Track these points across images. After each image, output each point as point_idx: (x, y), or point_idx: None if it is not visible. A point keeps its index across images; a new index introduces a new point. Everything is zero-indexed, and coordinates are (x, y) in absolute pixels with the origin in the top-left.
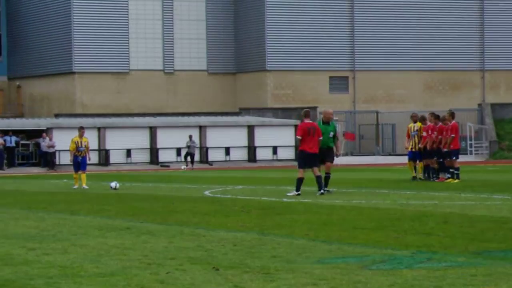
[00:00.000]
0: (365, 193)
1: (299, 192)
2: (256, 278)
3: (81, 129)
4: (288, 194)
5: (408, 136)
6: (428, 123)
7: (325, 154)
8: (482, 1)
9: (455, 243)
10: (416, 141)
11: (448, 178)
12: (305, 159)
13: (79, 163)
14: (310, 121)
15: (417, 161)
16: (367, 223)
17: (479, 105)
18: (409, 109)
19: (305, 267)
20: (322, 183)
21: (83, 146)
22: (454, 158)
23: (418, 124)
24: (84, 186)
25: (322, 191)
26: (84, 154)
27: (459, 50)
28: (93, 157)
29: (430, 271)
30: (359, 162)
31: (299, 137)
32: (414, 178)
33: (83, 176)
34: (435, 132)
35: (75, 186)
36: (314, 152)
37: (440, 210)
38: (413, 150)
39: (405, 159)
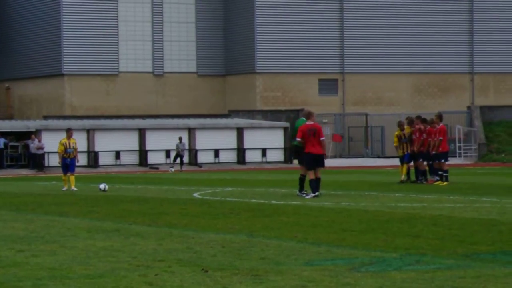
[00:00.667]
0: (354, 195)
1: (316, 194)
2: (245, 280)
3: (69, 130)
4: (307, 197)
5: (398, 143)
6: (416, 126)
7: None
8: (471, 4)
9: (444, 245)
10: (408, 146)
11: (437, 180)
12: (312, 160)
13: (67, 165)
14: (312, 123)
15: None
16: (356, 226)
17: (468, 107)
18: (398, 112)
19: (294, 269)
20: (316, 186)
21: (72, 147)
22: (442, 160)
23: (407, 130)
24: (73, 188)
25: (317, 193)
26: (73, 156)
27: (448, 53)
28: (82, 159)
29: (419, 273)
30: (348, 164)
31: (299, 139)
32: (403, 181)
33: (72, 178)
34: (424, 135)
35: (64, 188)
36: (319, 153)
37: (429, 213)
38: (408, 152)
39: (394, 162)
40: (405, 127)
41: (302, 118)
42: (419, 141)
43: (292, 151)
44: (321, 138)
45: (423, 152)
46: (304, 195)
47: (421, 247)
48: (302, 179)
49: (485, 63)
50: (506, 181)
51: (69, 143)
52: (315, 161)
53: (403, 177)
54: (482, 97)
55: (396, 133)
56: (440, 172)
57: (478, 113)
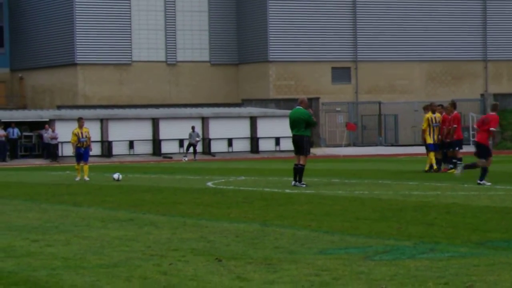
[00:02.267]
0: (367, 183)
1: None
2: (258, 269)
3: (81, 120)
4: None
5: (428, 128)
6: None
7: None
8: None
9: (458, 233)
10: (437, 132)
11: (451, 168)
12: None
13: (81, 154)
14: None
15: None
16: (370, 214)
17: (482, 95)
18: (412, 100)
19: (308, 258)
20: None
21: (84, 136)
22: (457, 148)
23: (438, 115)
24: (86, 178)
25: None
26: (87, 145)
27: (461, 40)
28: (95, 149)
29: (433, 261)
30: (362, 152)
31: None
32: (429, 170)
33: (86, 167)
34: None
35: (77, 178)
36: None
37: (443, 201)
38: (435, 141)
39: (408, 150)
40: (437, 112)
41: (298, 106)
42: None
43: (297, 140)
44: None
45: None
46: (304, 185)
47: (435, 235)
48: (299, 169)
49: (498, 51)
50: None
51: (82, 133)
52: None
53: (428, 166)
54: (495, 84)
55: (427, 115)
56: (454, 160)
57: (492, 101)
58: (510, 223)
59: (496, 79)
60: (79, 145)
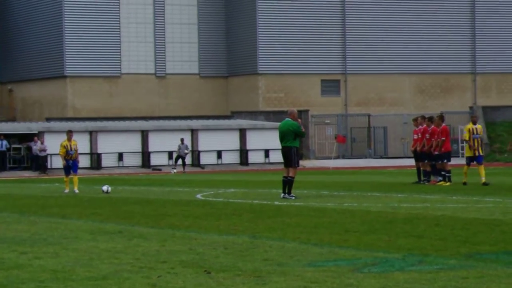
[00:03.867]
0: (356, 196)
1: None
2: (247, 281)
3: (69, 132)
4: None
5: (468, 139)
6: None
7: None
8: (473, 4)
9: (447, 245)
10: (479, 144)
11: (440, 181)
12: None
13: (69, 167)
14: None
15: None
16: (359, 226)
17: (471, 108)
18: (401, 112)
19: (297, 270)
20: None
21: (73, 149)
22: (445, 161)
23: (479, 126)
24: (75, 190)
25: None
26: (74, 158)
27: (450, 53)
28: (85, 161)
29: (422, 273)
30: (351, 165)
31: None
32: (465, 183)
33: (75, 179)
34: (427, 135)
35: (66, 190)
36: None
37: (432, 213)
38: (476, 154)
39: (397, 162)
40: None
41: (287, 118)
42: (421, 141)
43: (286, 152)
44: None
45: (426, 152)
46: (293, 197)
47: (424, 248)
48: (288, 181)
49: (487, 63)
50: (508, 181)
51: (70, 145)
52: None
53: (466, 178)
54: (484, 97)
55: (468, 126)
56: (443, 173)
57: (481, 113)
58: (499, 236)
59: (485, 92)
60: (67, 157)
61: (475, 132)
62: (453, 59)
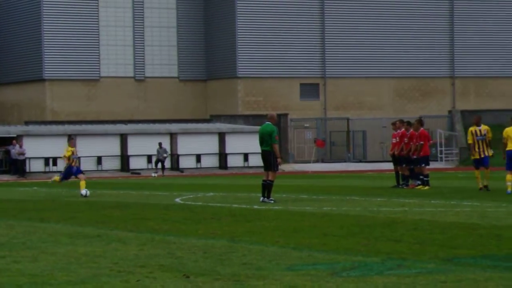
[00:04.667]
0: (335, 200)
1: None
2: (226, 286)
3: (71, 139)
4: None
5: (472, 142)
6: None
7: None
8: (452, 8)
9: (425, 249)
10: (485, 146)
11: (418, 185)
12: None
13: (71, 172)
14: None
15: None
16: (338, 230)
17: (449, 112)
18: (380, 116)
19: (276, 274)
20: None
21: (76, 154)
22: (423, 165)
23: (484, 127)
24: (84, 191)
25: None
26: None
27: (429, 57)
28: (63, 164)
29: (401, 277)
30: (330, 169)
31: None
32: (481, 188)
33: (83, 182)
34: (405, 139)
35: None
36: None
37: (410, 217)
38: (482, 156)
39: (376, 166)
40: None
41: (267, 122)
42: (399, 145)
43: (266, 156)
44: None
45: (405, 156)
46: (272, 201)
47: (403, 252)
48: (267, 185)
49: (466, 68)
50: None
51: (73, 151)
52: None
53: (481, 183)
54: (463, 101)
55: (471, 129)
56: (421, 177)
57: (459, 118)
58: (476, 240)
59: (463, 96)
60: (72, 163)
61: (478, 134)
62: (431, 63)
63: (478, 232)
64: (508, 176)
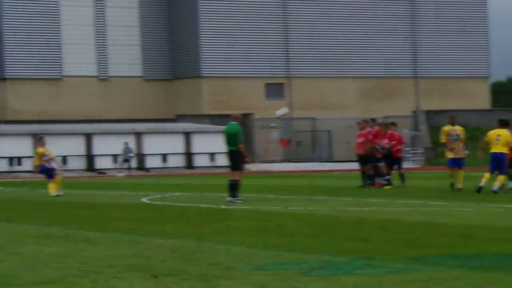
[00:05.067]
0: (302, 199)
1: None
2: (195, 286)
3: (42, 138)
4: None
5: (446, 140)
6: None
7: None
8: (413, 9)
9: (393, 249)
10: (460, 146)
11: (385, 184)
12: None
13: (49, 170)
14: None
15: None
16: (305, 230)
17: (414, 112)
18: (345, 116)
19: (244, 274)
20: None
21: (48, 155)
22: (396, 165)
23: (458, 128)
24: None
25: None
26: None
27: (392, 57)
28: (29, 164)
29: (369, 277)
30: (296, 168)
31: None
32: (454, 188)
33: (58, 179)
34: (369, 136)
35: (55, 193)
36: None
37: (378, 217)
38: (457, 156)
39: (342, 166)
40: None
41: (232, 122)
42: (364, 145)
43: (231, 156)
44: None
45: (370, 156)
46: (239, 201)
47: (371, 251)
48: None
49: (429, 68)
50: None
51: (45, 152)
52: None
53: (455, 184)
54: (427, 101)
55: (445, 128)
56: (388, 177)
57: (424, 118)
58: (443, 239)
59: (427, 96)
60: (44, 163)
61: (453, 134)
62: (395, 63)
63: (445, 231)
64: (487, 175)
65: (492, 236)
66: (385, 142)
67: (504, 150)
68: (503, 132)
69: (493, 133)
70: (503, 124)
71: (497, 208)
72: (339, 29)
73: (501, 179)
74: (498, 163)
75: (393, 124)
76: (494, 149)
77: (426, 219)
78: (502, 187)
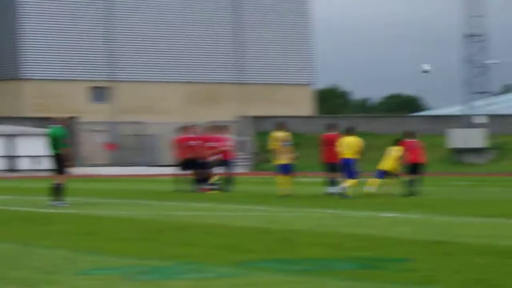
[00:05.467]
0: (127, 203)
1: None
2: None
3: None
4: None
5: (276, 146)
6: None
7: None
8: (238, 15)
9: (218, 253)
10: (289, 152)
11: (211, 189)
12: None
13: None
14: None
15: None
16: (130, 234)
17: (239, 117)
18: (172, 121)
19: (67, 279)
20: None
21: None
22: (228, 169)
23: (286, 133)
24: None
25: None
26: None
27: (217, 63)
28: None
29: (194, 281)
30: (122, 172)
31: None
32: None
33: None
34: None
35: None
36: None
37: (203, 221)
38: (286, 162)
39: (167, 170)
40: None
41: (56, 125)
42: (189, 150)
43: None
44: None
45: (194, 160)
46: (63, 204)
47: (197, 256)
48: (58, 188)
49: (254, 75)
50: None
51: None
52: None
53: (284, 190)
54: (252, 107)
55: (274, 134)
56: (212, 181)
57: (249, 123)
58: (268, 243)
59: (252, 102)
60: None
61: (283, 140)
62: (219, 69)
63: (270, 236)
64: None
65: (313, 241)
66: (213, 145)
67: (352, 155)
68: (351, 139)
69: (346, 139)
70: (349, 131)
71: (320, 214)
72: (165, 34)
73: (350, 182)
74: (347, 168)
75: (223, 127)
76: (345, 155)
77: (251, 224)
78: (344, 190)
